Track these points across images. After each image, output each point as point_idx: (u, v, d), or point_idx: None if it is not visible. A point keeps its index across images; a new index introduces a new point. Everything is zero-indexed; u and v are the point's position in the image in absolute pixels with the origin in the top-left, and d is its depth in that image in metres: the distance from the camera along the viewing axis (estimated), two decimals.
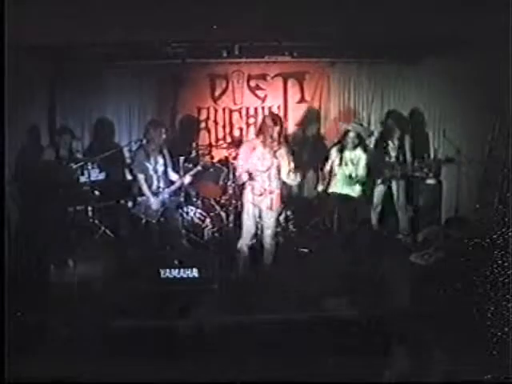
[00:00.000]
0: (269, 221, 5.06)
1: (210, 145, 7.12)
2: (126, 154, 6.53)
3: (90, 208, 6.12)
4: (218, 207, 6.43)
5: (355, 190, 5.92)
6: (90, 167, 6.08)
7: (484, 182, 5.70)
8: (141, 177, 5.54)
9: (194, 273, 4.85)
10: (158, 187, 5.61)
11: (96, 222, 6.12)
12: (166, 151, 5.68)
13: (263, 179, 4.97)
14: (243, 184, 5.11)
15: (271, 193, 5.00)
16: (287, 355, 3.61)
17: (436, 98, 6.62)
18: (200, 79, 7.06)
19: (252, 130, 7.12)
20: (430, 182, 6.58)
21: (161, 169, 5.62)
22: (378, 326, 3.99)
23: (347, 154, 5.94)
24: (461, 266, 4.19)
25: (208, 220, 6.30)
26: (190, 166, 6.06)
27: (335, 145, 6.13)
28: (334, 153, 6.03)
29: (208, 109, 7.18)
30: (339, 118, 7.10)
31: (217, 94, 7.16)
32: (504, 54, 4.56)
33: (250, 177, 4.95)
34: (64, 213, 5.97)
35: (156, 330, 4.14)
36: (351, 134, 5.94)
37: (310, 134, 7.17)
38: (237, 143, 6.56)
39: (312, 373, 3.46)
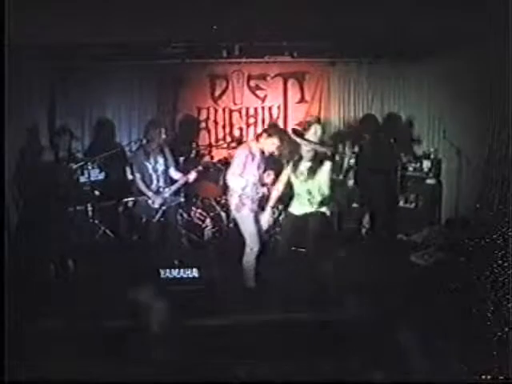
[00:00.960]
0: None
1: (210, 145, 7.13)
2: (127, 154, 6.53)
3: (89, 208, 6.12)
4: (218, 207, 6.44)
5: None
6: (89, 167, 6.08)
7: (484, 182, 5.70)
8: (140, 177, 5.54)
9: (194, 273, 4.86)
10: (158, 187, 5.61)
11: (96, 221, 6.13)
12: (165, 151, 5.67)
13: None
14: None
15: None
16: None
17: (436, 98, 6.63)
18: (200, 79, 7.06)
19: (252, 130, 7.14)
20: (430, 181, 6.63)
21: (161, 169, 5.62)
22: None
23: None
24: (461, 266, 4.20)
25: (208, 220, 6.31)
26: (190, 166, 6.07)
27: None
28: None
29: (208, 109, 7.18)
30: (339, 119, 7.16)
31: (217, 94, 7.16)
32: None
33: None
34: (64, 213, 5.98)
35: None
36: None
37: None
38: (237, 143, 6.57)
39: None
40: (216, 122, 7.22)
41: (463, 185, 6.14)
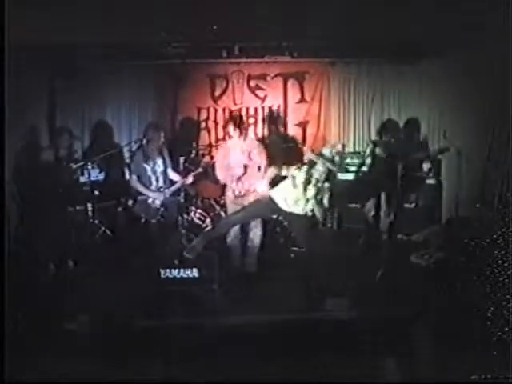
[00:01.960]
0: None
1: (210, 145, 7.13)
2: (126, 154, 6.53)
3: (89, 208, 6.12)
4: (217, 207, 6.44)
5: None
6: (89, 167, 6.08)
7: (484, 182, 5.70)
8: (140, 177, 5.54)
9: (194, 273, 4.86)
10: (158, 187, 5.61)
11: (96, 222, 6.12)
12: (165, 151, 5.68)
13: None
14: None
15: None
16: None
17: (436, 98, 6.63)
18: (200, 79, 7.07)
19: (252, 129, 7.14)
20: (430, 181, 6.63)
21: (160, 169, 5.62)
22: None
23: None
24: (461, 266, 4.20)
25: (208, 220, 6.31)
26: (190, 166, 6.06)
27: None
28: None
29: (208, 109, 7.18)
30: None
31: (217, 94, 7.16)
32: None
33: None
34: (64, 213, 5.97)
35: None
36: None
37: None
38: None
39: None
40: (216, 122, 7.22)
41: (463, 185, 6.13)
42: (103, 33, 5.12)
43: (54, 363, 3.61)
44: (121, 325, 4.26)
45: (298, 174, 4.82)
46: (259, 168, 5.34)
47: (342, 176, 6.50)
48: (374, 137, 6.83)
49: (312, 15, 4.73)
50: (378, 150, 6.37)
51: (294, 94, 7.19)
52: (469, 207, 5.91)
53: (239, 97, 7.16)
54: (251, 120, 7.20)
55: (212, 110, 7.18)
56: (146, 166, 5.54)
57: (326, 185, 4.77)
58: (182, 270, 4.89)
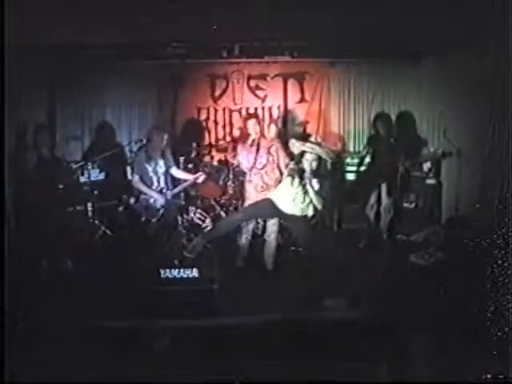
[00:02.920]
0: None
1: (210, 145, 7.13)
2: (127, 155, 6.53)
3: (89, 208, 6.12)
4: (217, 207, 6.44)
5: None
6: (89, 167, 6.08)
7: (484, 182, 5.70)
8: (141, 177, 5.54)
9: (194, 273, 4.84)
10: (159, 187, 5.61)
11: (96, 222, 6.13)
12: (166, 151, 5.67)
13: None
14: None
15: None
16: None
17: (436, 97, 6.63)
18: (200, 79, 7.07)
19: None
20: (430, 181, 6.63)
21: (161, 169, 5.62)
22: None
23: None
24: (461, 266, 4.20)
25: (208, 220, 6.31)
26: (190, 166, 6.06)
27: None
28: None
29: (208, 109, 7.18)
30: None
31: (217, 94, 7.16)
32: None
33: None
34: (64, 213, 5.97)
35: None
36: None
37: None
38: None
39: None
40: (216, 122, 7.22)
41: (463, 185, 6.13)
42: (103, 33, 5.11)
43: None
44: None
45: (292, 167, 4.72)
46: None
47: (342, 176, 6.54)
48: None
49: (312, 15, 4.73)
50: (376, 150, 6.38)
51: (293, 93, 7.19)
52: (469, 207, 5.91)
53: (239, 97, 7.17)
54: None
55: (212, 110, 7.19)
56: (147, 165, 5.54)
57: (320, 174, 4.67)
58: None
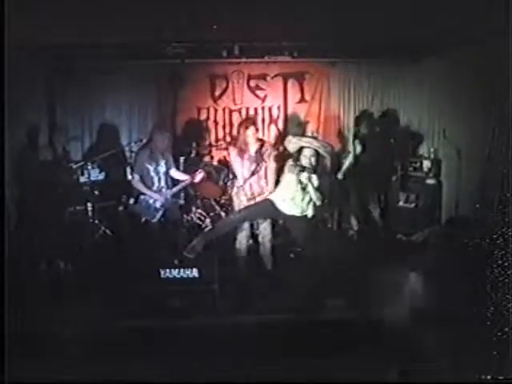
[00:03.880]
0: None
1: (210, 145, 7.13)
2: (127, 155, 6.53)
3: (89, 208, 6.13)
4: (217, 207, 6.44)
5: None
6: (89, 167, 6.09)
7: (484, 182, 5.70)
8: (141, 177, 5.54)
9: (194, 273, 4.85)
10: (159, 188, 5.61)
11: (96, 221, 6.13)
12: (166, 151, 5.67)
13: None
14: None
15: None
16: None
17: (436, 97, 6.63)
18: (200, 79, 7.06)
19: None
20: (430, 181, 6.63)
21: (161, 170, 5.62)
22: None
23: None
24: (460, 266, 4.20)
25: (208, 220, 6.31)
26: (190, 166, 6.06)
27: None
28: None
29: (208, 109, 7.18)
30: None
31: (217, 94, 7.16)
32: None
33: None
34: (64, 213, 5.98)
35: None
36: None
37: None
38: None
39: None
40: (216, 122, 7.22)
41: (463, 185, 6.13)
42: (103, 33, 5.11)
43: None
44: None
45: (291, 164, 4.73)
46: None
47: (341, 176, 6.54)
48: None
49: (312, 15, 4.72)
50: (376, 149, 6.39)
51: (293, 93, 7.19)
52: (469, 207, 5.92)
53: (239, 97, 7.17)
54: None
55: (212, 110, 7.18)
56: (147, 165, 5.54)
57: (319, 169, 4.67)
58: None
